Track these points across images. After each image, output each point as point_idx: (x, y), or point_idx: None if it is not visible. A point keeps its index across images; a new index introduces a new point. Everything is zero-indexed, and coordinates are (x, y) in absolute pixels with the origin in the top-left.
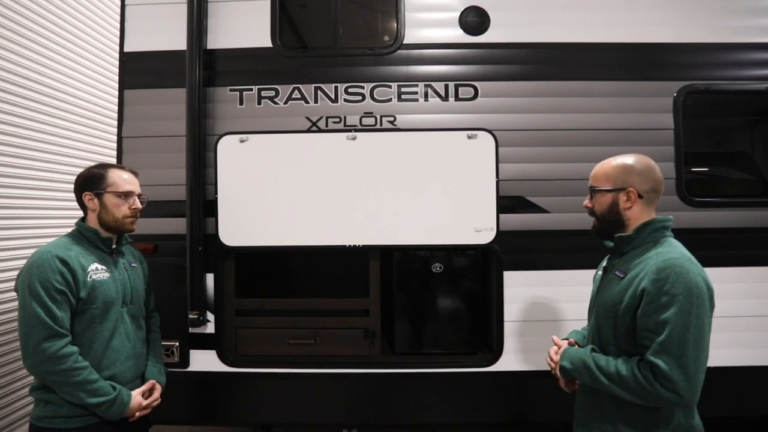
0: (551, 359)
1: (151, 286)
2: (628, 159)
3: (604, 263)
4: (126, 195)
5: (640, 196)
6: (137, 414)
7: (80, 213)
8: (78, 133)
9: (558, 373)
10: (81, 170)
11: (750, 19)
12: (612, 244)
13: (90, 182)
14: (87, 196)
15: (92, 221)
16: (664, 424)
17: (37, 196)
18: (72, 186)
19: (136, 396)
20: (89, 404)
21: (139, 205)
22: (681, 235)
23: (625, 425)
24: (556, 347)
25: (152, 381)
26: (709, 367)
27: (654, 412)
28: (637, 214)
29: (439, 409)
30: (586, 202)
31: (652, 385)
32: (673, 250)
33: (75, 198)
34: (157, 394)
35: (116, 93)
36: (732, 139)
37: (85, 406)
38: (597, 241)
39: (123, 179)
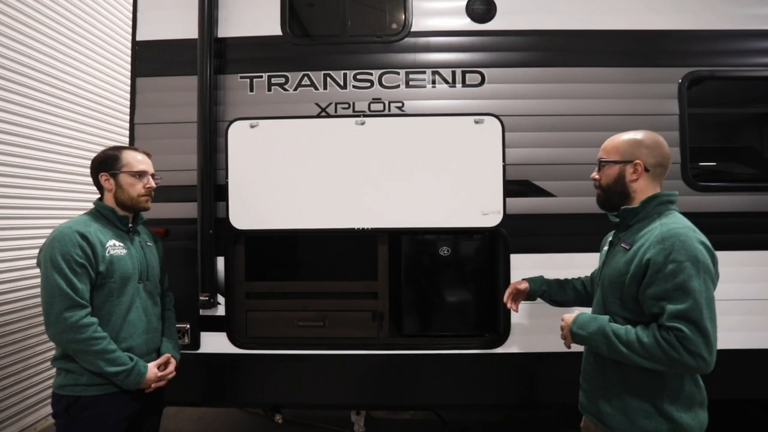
0: (562, 319)
1: (165, 266)
2: (638, 134)
3: (610, 237)
4: (140, 174)
5: (646, 170)
6: (153, 386)
7: (86, 200)
8: (86, 125)
9: (567, 336)
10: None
11: (754, 7)
12: (617, 219)
13: (105, 163)
14: (103, 177)
15: (109, 200)
16: (670, 390)
17: (48, 187)
18: (74, 175)
19: (152, 368)
20: (108, 373)
21: (153, 184)
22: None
23: (632, 396)
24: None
25: (167, 355)
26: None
27: (659, 379)
28: (642, 187)
29: (446, 391)
30: (594, 174)
31: (676, 350)
32: (677, 221)
33: (92, 179)
34: (172, 367)
35: (122, 83)
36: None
37: (104, 375)
38: (602, 225)
39: (137, 159)
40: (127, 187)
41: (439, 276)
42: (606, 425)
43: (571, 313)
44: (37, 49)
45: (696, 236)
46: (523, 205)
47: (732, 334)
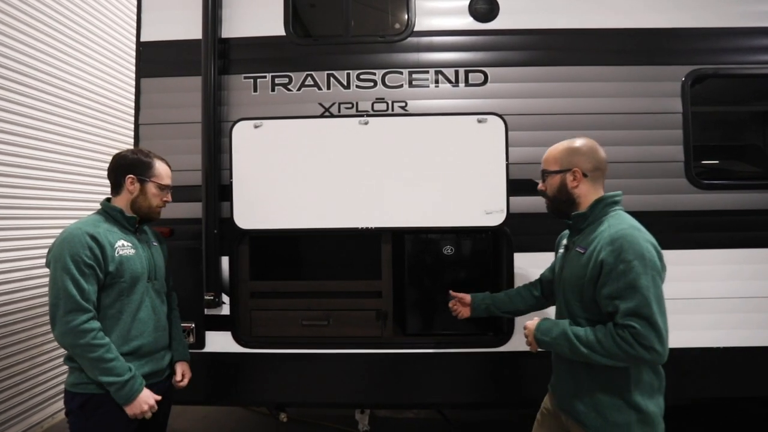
0: (525, 327)
1: (169, 266)
2: (574, 142)
3: (564, 241)
4: (165, 188)
5: (584, 175)
6: (141, 412)
7: (91, 201)
8: (91, 126)
9: (532, 342)
10: (115, 153)
11: (756, 4)
12: (570, 222)
13: (137, 167)
14: (129, 179)
15: (120, 201)
16: (635, 383)
17: (53, 187)
18: (78, 176)
19: (148, 392)
20: (102, 382)
21: (170, 199)
22: (690, 217)
23: (602, 392)
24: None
25: (182, 369)
26: (708, 348)
27: (625, 374)
28: (585, 192)
29: (449, 389)
30: (540, 185)
31: (632, 346)
32: (622, 221)
33: (109, 175)
34: (185, 381)
35: (127, 84)
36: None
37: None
38: None
39: (166, 173)
40: (151, 196)
41: (443, 275)
42: (580, 423)
43: (533, 320)
44: (40, 50)
45: (641, 235)
46: (526, 203)
47: (733, 331)
